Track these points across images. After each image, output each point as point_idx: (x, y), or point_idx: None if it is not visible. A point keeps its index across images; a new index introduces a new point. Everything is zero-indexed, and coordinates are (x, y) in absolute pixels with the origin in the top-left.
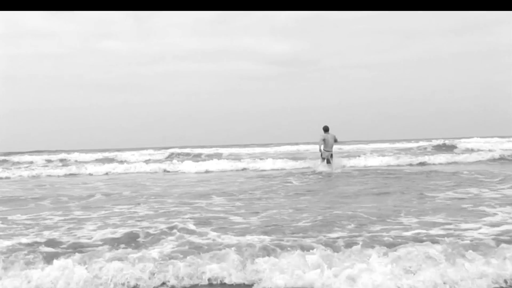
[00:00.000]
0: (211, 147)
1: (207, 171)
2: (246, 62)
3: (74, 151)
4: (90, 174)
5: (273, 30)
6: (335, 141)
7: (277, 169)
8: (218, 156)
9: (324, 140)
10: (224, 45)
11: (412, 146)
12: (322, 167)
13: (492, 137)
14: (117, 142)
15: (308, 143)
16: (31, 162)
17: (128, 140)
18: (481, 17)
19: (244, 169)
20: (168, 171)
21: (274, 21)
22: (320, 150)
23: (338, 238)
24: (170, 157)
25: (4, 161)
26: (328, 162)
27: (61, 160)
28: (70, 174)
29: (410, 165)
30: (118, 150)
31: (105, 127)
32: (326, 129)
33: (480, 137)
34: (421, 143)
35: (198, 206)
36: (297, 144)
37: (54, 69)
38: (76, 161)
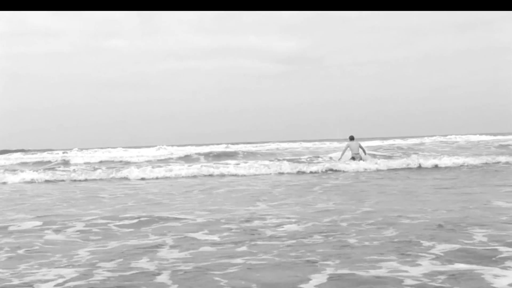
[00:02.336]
0: (219, 144)
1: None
2: (252, 60)
3: (88, 148)
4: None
5: (279, 28)
6: (361, 147)
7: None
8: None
9: (349, 146)
10: (230, 43)
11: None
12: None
13: (495, 134)
14: (123, 139)
15: (320, 141)
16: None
17: (134, 137)
18: (482, 14)
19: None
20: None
21: (280, 18)
22: (342, 155)
23: None
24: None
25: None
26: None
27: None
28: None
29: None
30: (129, 147)
31: (111, 124)
32: (351, 138)
33: (487, 134)
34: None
35: None
36: (310, 141)
37: (60, 67)
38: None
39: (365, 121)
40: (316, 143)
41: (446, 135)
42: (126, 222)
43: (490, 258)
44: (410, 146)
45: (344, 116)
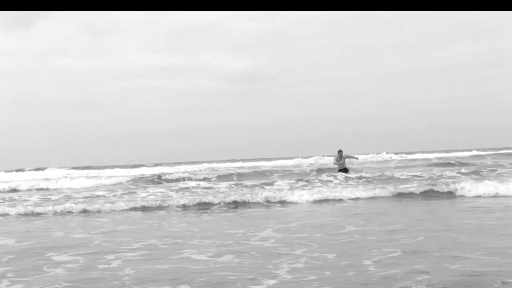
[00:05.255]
0: (174, 164)
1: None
2: (205, 79)
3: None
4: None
5: (231, 47)
6: (346, 157)
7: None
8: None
9: (337, 159)
10: (182, 62)
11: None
12: (339, 175)
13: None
14: (74, 159)
15: (273, 159)
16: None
17: (84, 158)
18: (436, 34)
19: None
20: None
21: (231, 37)
22: (334, 164)
23: None
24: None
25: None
26: (345, 171)
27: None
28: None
29: None
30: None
31: (62, 145)
32: (338, 152)
33: (441, 151)
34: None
35: None
36: (270, 160)
37: (9, 87)
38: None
39: (320, 139)
40: (276, 161)
41: (397, 153)
42: None
43: None
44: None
45: (300, 134)
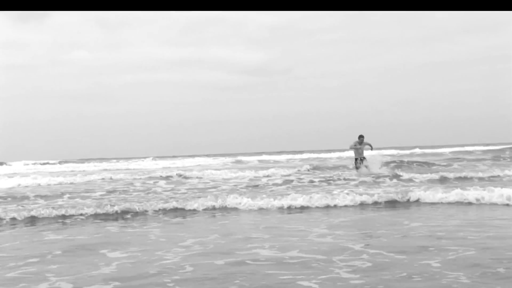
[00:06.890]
0: (191, 156)
1: None
2: (218, 72)
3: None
4: None
5: (244, 40)
6: (369, 146)
7: None
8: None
9: (355, 145)
10: (195, 55)
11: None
12: (356, 169)
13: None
14: (89, 152)
15: (288, 153)
16: None
17: (98, 150)
18: (445, 28)
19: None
20: None
21: (245, 30)
22: (351, 148)
23: None
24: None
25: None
26: (363, 161)
27: None
28: None
29: None
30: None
31: (74, 138)
32: (359, 137)
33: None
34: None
35: None
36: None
37: (22, 80)
38: None
39: (332, 132)
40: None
41: (414, 148)
42: None
43: None
44: None
45: (311, 128)
